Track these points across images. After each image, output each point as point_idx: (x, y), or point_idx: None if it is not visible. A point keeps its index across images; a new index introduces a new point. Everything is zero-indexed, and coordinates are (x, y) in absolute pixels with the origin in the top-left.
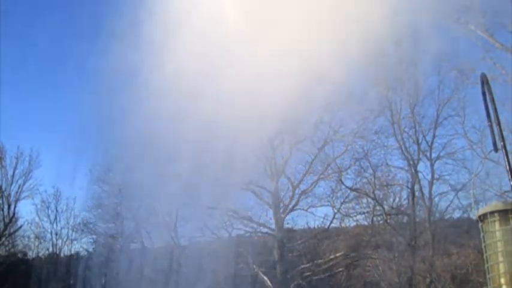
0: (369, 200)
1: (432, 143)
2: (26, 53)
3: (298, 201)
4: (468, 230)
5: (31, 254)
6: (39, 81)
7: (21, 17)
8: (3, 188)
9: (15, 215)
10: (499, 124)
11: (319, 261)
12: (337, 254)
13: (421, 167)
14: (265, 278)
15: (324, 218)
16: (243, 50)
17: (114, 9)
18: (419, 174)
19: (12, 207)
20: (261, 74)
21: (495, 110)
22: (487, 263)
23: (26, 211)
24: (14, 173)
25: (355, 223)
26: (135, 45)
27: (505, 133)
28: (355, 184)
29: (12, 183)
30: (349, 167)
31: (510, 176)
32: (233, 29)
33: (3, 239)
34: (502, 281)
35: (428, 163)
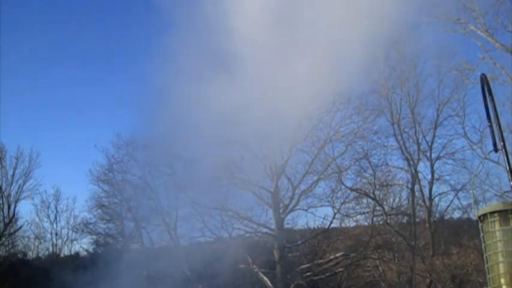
0: (369, 200)
1: (432, 143)
2: (32, 52)
3: (298, 201)
4: (468, 230)
5: (31, 255)
6: (40, 81)
7: (28, 19)
8: (3, 188)
9: (15, 215)
10: (499, 124)
11: (319, 261)
12: (337, 254)
13: (421, 167)
14: (265, 278)
15: (324, 218)
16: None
17: None
18: (419, 175)
19: (12, 207)
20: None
21: (495, 110)
22: (487, 263)
23: (26, 211)
24: (14, 173)
25: (355, 223)
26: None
27: (505, 133)
28: (355, 184)
29: (12, 183)
30: (349, 167)
31: (510, 177)
32: None
33: (3, 239)
34: (502, 281)
35: (428, 163)
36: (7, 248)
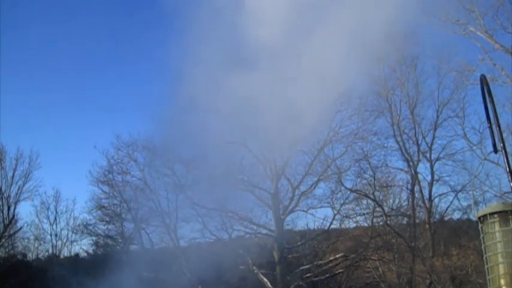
0: (369, 201)
1: (432, 144)
2: (32, 52)
3: (298, 202)
4: (468, 231)
5: (31, 256)
6: (40, 81)
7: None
8: (3, 189)
9: (15, 217)
10: (498, 125)
11: (319, 262)
12: (337, 255)
13: (420, 168)
14: (265, 279)
15: (323, 219)
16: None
17: None
18: (419, 176)
19: (11, 208)
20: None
21: (495, 111)
22: (487, 264)
23: (25, 213)
24: (13, 174)
25: (355, 224)
26: None
27: (504, 134)
28: (355, 185)
29: (12, 184)
30: (349, 168)
31: (510, 177)
32: None
33: (3, 240)
34: (502, 282)
35: (428, 164)
36: (7, 250)
